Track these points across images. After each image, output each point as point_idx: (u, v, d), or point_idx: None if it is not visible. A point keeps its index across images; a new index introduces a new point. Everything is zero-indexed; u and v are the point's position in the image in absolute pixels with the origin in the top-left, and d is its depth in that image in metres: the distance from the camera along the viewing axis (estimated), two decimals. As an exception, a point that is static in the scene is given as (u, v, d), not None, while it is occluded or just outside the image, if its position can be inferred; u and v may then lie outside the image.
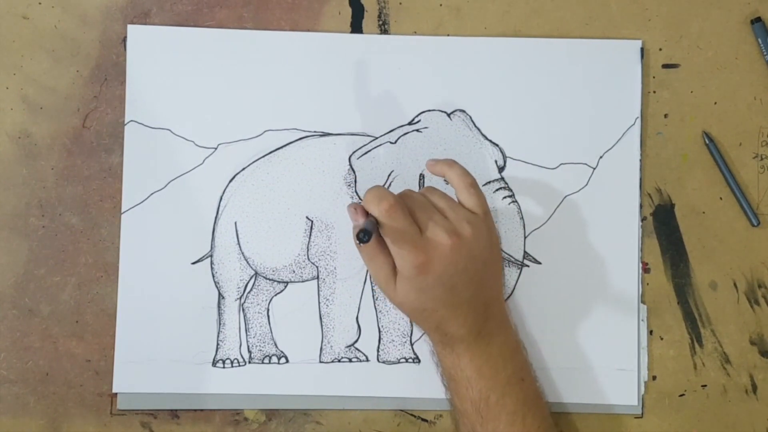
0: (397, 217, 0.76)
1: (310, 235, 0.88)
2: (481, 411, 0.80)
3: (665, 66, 0.90)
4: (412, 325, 0.88)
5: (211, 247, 0.88)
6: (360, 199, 0.88)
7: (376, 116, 0.89)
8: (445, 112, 0.89)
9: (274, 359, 0.87)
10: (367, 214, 0.78)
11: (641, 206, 0.89)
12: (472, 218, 0.79)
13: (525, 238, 0.88)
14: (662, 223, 0.89)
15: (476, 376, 0.80)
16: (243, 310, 0.88)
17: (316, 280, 0.88)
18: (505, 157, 0.88)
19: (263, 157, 0.88)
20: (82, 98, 0.88)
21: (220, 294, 0.88)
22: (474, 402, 0.80)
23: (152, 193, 0.88)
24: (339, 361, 0.88)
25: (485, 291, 0.81)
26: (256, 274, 0.88)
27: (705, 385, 0.89)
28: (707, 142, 0.88)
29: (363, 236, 0.74)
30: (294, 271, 0.88)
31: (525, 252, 0.88)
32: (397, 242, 0.77)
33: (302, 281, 0.88)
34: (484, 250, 0.80)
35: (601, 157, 0.88)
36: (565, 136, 0.89)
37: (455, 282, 0.78)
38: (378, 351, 0.88)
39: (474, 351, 0.80)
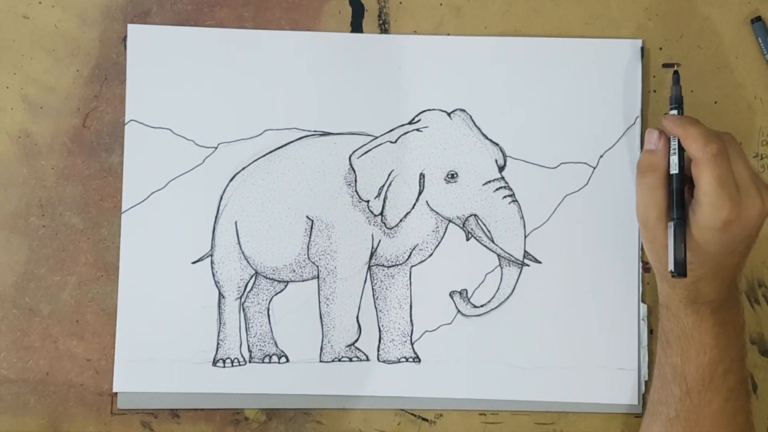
0: (725, 165, 0.75)
1: (311, 234, 0.88)
2: (704, 378, 0.79)
3: (665, 65, 0.90)
4: (412, 325, 0.88)
5: (212, 247, 0.88)
6: (360, 199, 0.88)
7: (376, 116, 0.89)
8: (445, 112, 0.89)
9: (275, 359, 0.87)
10: (668, 142, 0.79)
11: (641, 206, 0.89)
12: None
13: (525, 237, 0.88)
14: (662, 222, 0.89)
15: (713, 343, 0.78)
16: (243, 309, 0.88)
17: (316, 280, 0.88)
18: (505, 157, 0.89)
19: (263, 156, 0.88)
20: (82, 98, 0.88)
21: (220, 293, 0.88)
22: (701, 367, 0.78)
23: (152, 193, 0.88)
24: (339, 360, 0.88)
25: (743, 262, 0.80)
26: (257, 273, 0.88)
27: (705, 385, 0.89)
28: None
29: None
30: (294, 271, 0.88)
31: (525, 251, 0.88)
32: (714, 190, 0.74)
33: (302, 280, 0.88)
34: (762, 225, 0.78)
35: (601, 156, 0.89)
36: (565, 136, 0.89)
37: (737, 248, 0.77)
38: (378, 350, 0.88)
39: (716, 317, 0.78)
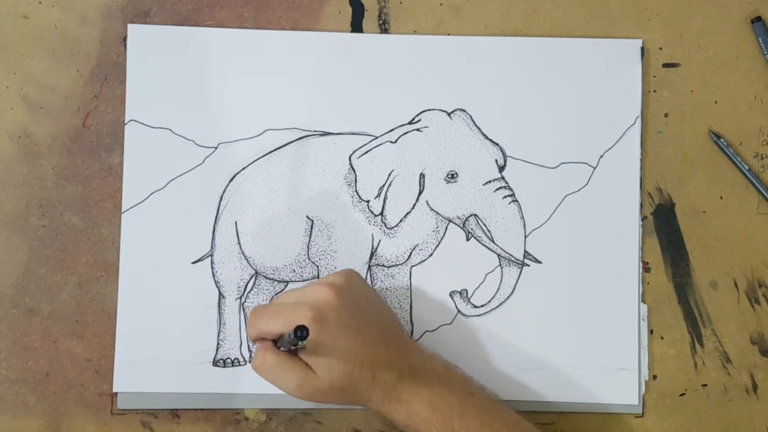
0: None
1: (311, 234, 0.88)
2: None
3: (665, 65, 0.90)
4: (412, 324, 0.88)
5: (212, 247, 0.88)
6: (360, 199, 0.88)
7: (376, 116, 0.89)
8: (445, 112, 0.89)
9: (275, 359, 0.87)
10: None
11: (642, 205, 0.89)
12: None
13: (525, 237, 0.88)
14: (663, 222, 0.89)
15: (431, 411, 0.78)
16: (243, 309, 0.88)
17: (316, 280, 0.88)
18: (505, 157, 0.89)
19: (263, 156, 0.88)
20: (82, 98, 0.88)
21: (220, 293, 0.88)
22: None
23: (152, 193, 0.88)
24: (339, 360, 0.87)
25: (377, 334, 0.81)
26: (257, 273, 0.88)
27: (705, 385, 0.89)
28: (716, 140, 0.88)
29: (301, 334, 0.72)
30: (294, 271, 0.88)
31: (525, 251, 0.88)
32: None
33: (303, 281, 0.88)
34: None
35: (601, 156, 0.89)
36: (565, 136, 0.89)
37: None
38: (378, 350, 0.88)
39: (416, 385, 0.79)
